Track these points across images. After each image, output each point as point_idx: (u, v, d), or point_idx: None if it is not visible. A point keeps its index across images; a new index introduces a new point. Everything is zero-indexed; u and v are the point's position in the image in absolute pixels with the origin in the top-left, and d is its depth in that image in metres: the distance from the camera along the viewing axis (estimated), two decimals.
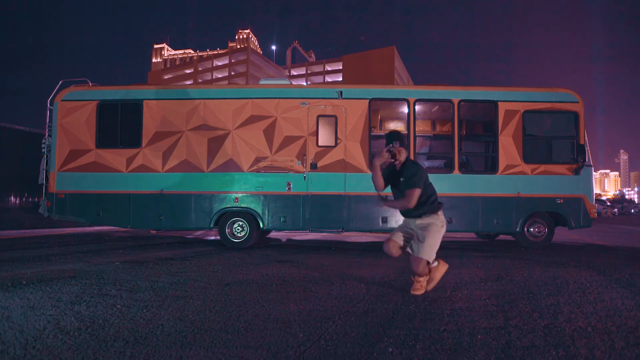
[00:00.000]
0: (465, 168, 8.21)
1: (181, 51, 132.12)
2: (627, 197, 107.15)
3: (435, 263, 3.73)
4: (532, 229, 7.72)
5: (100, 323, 2.75)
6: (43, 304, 3.19)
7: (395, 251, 3.79)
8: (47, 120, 7.77)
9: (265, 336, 2.54)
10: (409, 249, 3.76)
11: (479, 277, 4.59)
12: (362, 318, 2.96)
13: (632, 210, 43.89)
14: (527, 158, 7.61)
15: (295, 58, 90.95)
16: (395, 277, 4.62)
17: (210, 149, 7.57)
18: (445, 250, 7.44)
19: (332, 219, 7.44)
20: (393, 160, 3.71)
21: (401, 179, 3.69)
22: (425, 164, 8.84)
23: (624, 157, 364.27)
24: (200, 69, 75.03)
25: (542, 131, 7.84)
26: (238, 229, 7.57)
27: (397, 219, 7.31)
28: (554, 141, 7.79)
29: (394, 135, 3.77)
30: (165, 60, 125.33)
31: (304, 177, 7.46)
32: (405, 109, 8.02)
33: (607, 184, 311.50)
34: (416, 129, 7.84)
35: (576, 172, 7.57)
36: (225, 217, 7.52)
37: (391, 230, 3.94)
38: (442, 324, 2.84)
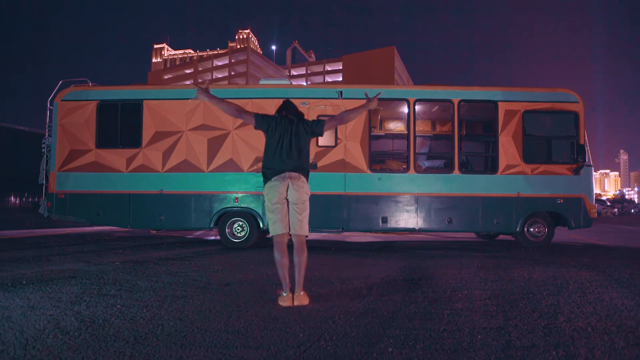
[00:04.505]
0: (465, 168, 8.21)
1: (181, 51, 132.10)
2: (627, 197, 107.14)
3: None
4: (532, 229, 7.72)
5: (100, 323, 2.75)
6: (43, 304, 3.19)
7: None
8: (47, 120, 7.78)
9: (265, 336, 2.54)
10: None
11: (479, 277, 4.59)
12: (362, 318, 2.96)
13: (632, 210, 43.87)
14: (527, 158, 7.62)
15: (295, 58, 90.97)
16: (396, 277, 4.62)
17: (210, 149, 7.57)
18: (446, 250, 7.45)
19: (332, 219, 7.44)
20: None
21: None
22: (426, 164, 8.84)
23: (624, 157, 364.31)
24: (200, 69, 75.03)
25: (542, 131, 7.85)
26: (238, 229, 7.57)
27: (397, 220, 7.33)
28: (554, 141, 7.80)
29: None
30: (165, 60, 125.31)
31: None
32: (405, 109, 8.02)
33: (607, 184, 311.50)
34: (416, 129, 7.84)
35: (576, 172, 7.57)
36: (225, 217, 7.52)
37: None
38: (442, 324, 2.83)
